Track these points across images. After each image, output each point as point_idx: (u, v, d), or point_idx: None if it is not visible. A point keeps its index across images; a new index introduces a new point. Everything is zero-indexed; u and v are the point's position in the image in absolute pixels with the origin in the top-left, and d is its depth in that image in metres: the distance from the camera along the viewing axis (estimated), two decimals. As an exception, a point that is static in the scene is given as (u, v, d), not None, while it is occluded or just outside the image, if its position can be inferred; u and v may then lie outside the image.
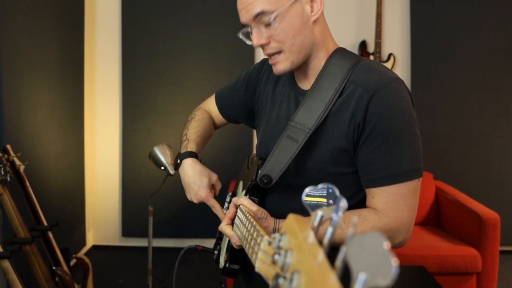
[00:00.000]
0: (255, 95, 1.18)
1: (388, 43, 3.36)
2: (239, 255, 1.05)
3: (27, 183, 1.96)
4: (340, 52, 1.01)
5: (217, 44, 3.30)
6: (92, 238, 3.47)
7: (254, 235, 0.67)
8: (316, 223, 0.45)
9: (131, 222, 3.38)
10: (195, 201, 1.12)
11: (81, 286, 2.13)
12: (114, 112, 3.41)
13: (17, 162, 1.94)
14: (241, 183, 1.17)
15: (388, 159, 0.91)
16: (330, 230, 0.42)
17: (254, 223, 0.73)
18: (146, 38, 3.31)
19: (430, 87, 3.33)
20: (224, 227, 0.97)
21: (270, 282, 0.46)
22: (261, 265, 0.54)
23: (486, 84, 3.29)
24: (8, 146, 1.94)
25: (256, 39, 0.94)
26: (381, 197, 0.92)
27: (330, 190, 0.48)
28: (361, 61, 0.98)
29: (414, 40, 3.33)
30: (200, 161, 1.15)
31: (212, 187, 1.13)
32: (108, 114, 3.41)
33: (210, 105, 1.34)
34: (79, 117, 3.21)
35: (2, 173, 1.77)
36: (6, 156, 1.91)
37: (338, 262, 0.37)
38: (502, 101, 3.29)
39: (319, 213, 0.45)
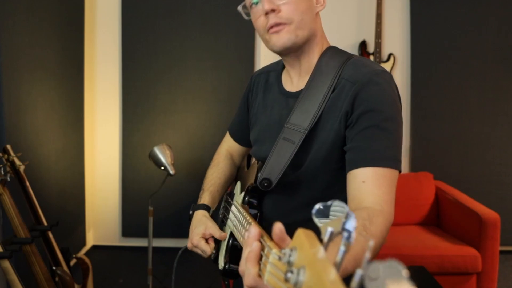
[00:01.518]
0: (250, 110, 1.20)
1: (388, 43, 3.36)
2: (239, 256, 1.05)
3: (27, 183, 1.96)
4: (330, 51, 1.02)
5: (217, 44, 3.31)
6: (92, 238, 3.47)
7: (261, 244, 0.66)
8: (326, 239, 0.45)
9: (131, 222, 3.38)
10: (189, 246, 1.10)
11: (81, 286, 2.13)
12: (114, 112, 3.41)
13: (17, 162, 1.94)
14: (239, 184, 1.17)
15: (377, 142, 0.89)
16: (342, 249, 0.42)
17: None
18: (146, 38, 3.31)
19: (430, 87, 3.33)
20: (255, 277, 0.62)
21: None
22: (270, 277, 0.54)
23: (486, 84, 3.29)
24: (8, 146, 1.94)
25: (267, 4, 0.94)
26: (374, 179, 0.86)
27: (340, 207, 0.47)
28: (351, 59, 0.99)
29: (414, 40, 3.33)
30: (210, 212, 1.15)
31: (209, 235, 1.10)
32: (108, 114, 3.42)
33: (226, 141, 1.35)
34: (79, 117, 3.21)
35: (2, 173, 1.77)
36: (6, 156, 1.91)
37: (354, 284, 0.37)
38: (502, 101, 3.29)
39: (329, 229, 0.45)
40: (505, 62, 3.28)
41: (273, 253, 0.56)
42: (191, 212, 1.17)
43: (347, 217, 0.44)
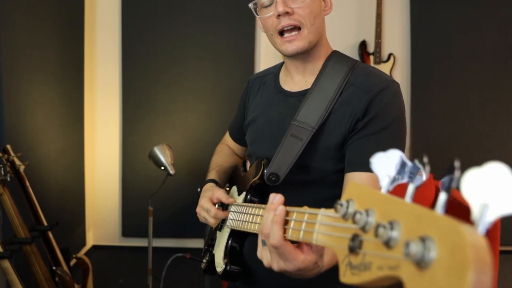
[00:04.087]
0: (246, 113, 1.23)
1: (388, 43, 3.36)
2: (238, 257, 1.05)
3: (27, 183, 1.96)
4: (336, 56, 1.05)
5: (217, 44, 3.31)
6: (92, 238, 3.47)
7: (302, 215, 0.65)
8: (385, 188, 0.46)
9: (131, 222, 3.38)
10: (197, 209, 1.13)
11: (81, 286, 2.13)
12: (114, 112, 3.41)
13: (17, 162, 1.94)
14: (235, 188, 1.16)
15: (378, 148, 0.91)
16: (411, 186, 0.43)
17: (298, 209, 0.69)
18: (146, 38, 3.31)
19: (430, 87, 3.33)
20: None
21: (347, 244, 0.46)
22: (321, 236, 0.55)
23: (486, 84, 3.29)
24: (8, 146, 1.94)
25: (281, 6, 0.95)
26: (369, 185, 0.91)
27: (399, 158, 0.47)
28: (358, 65, 1.02)
29: (414, 40, 3.33)
30: (218, 184, 1.19)
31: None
32: (108, 114, 3.42)
33: (227, 139, 1.41)
34: (79, 117, 3.21)
35: (2, 173, 1.77)
36: (6, 156, 1.91)
37: (439, 206, 0.38)
38: (502, 101, 3.29)
39: (389, 175, 0.46)
40: (505, 62, 3.28)
41: (322, 212, 0.57)
42: (199, 190, 1.20)
43: (404, 164, 0.45)
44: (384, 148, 0.91)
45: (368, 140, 0.93)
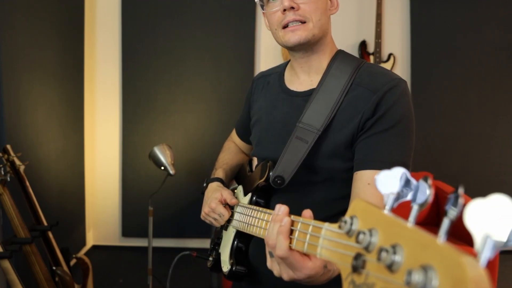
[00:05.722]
0: (251, 112, 1.22)
1: (388, 43, 3.36)
2: (244, 258, 1.05)
3: (27, 183, 1.96)
4: (340, 55, 1.04)
5: (217, 44, 3.31)
6: (92, 238, 3.47)
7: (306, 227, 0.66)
8: (389, 205, 0.46)
9: (131, 222, 3.38)
10: (204, 212, 1.13)
11: (81, 286, 2.13)
12: (114, 112, 3.41)
13: (17, 162, 1.94)
14: (241, 188, 1.17)
15: (386, 146, 0.92)
16: (416, 208, 0.43)
17: (302, 219, 0.69)
18: (146, 38, 3.31)
19: (430, 87, 3.33)
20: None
21: (350, 262, 0.46)
22: (325, 250, 0.55)
23: (486, 84, 3.29)
24: (8, 146, 1.94)
25: (287, 0, 0.96)
26: None
27: (403, 176, 0.47)
28: (363, 65, 1.01)
29: (414, 40, 3.33)
30: (224, 184, 1.19)
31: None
32: (108, 114, 3.42)
33: (234, 136, 1.41)
34: (79, 117, 3.21)
35: (2, 173, 1.77)
36: (6, 156, 1.91)
37: (442, 232, 0.37)
38: (502, 101, 3.30)
39: (392, 195, 0.46)
40: (505, 62, 3.28)
41: (326, 227, 0.57)
42: (204, 185, 1.20)
43: (404, 181, 0.45)
44: (392, 146, 0.92)
45: (376, 139, 0.93)
